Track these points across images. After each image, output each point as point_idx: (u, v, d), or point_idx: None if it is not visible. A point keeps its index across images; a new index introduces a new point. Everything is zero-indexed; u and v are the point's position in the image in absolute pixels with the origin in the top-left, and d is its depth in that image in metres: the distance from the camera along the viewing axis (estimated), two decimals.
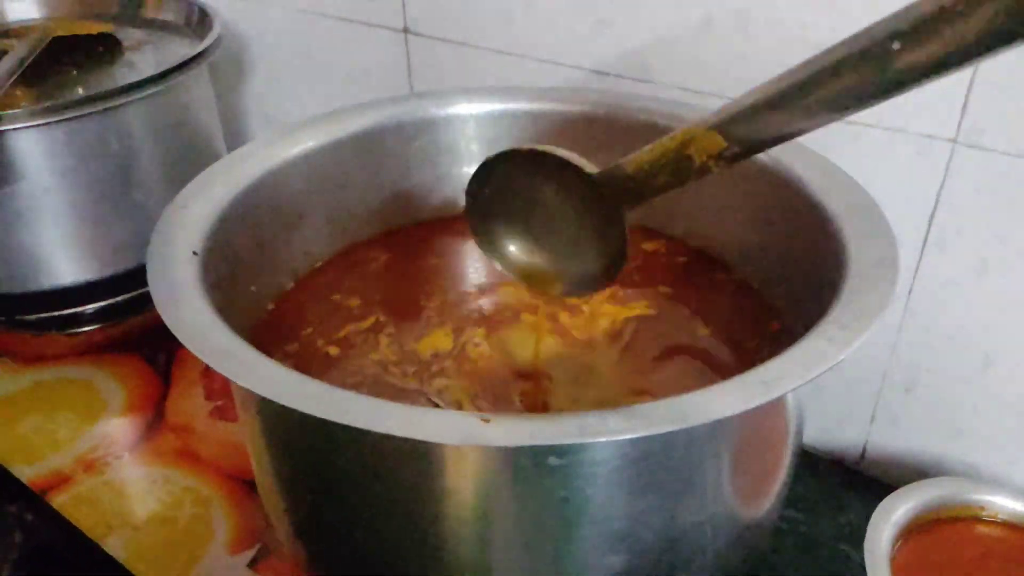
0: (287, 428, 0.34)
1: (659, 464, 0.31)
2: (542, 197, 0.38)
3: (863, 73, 0.25)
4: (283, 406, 0.28)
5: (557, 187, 0.37)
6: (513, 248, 0.40)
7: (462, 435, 0.26)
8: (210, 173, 0.43)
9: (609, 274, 0.36)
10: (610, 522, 0.31)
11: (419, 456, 0.30)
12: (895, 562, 0.45)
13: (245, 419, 0.38)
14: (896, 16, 0.24)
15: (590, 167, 0.36)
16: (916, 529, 0.47)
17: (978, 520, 0.48)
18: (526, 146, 0.38)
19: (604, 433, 0.26)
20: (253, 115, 0.83)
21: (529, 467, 0.30)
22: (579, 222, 0.37)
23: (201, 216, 0.40)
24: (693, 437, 0.30)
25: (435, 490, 0.31)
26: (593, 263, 0.37)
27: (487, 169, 0.39)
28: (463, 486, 0.31)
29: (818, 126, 0.28)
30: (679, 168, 0.32)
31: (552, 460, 0.29)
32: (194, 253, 0.37)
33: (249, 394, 0.34)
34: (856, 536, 0.50)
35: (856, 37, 0.26)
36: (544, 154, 0.37)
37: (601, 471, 0.30)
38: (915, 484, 0.48)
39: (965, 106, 0.46)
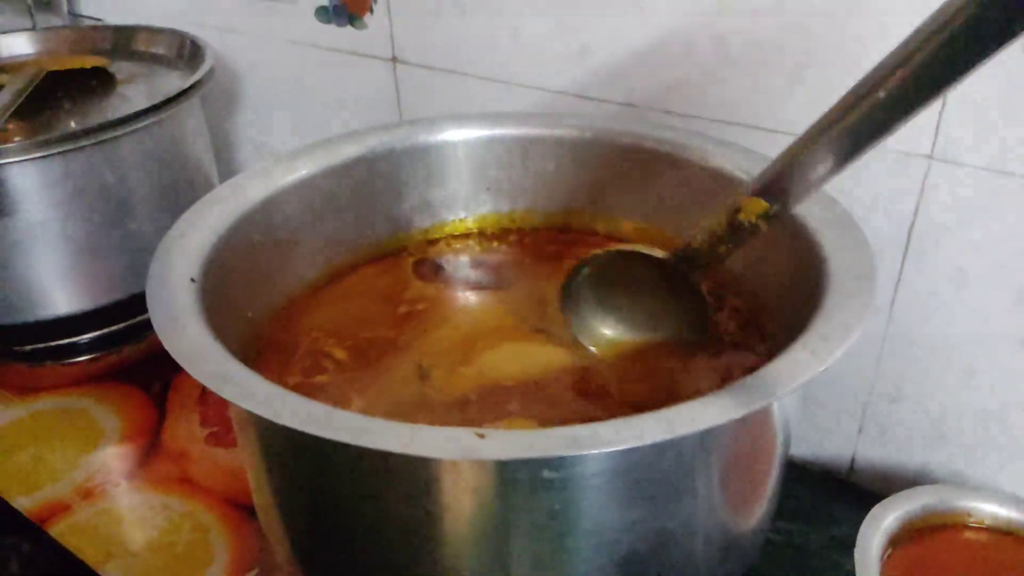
0: (285, 448, 0.35)
1: (650, 475, 0.31)
2: (626, 285, 0.45)
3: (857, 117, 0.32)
4: (282, 426, 0.29)
5: (637, 274, 0.44)
6: (607, 331, 0.46)
7: (458, 451, 0.27)
8: (206, 202, 0.44)
9: (702, 333, 0.44)
10: (603, 533, 0.32)
11: (416, 472, 0.31)
12: (885, 570, 0.45)
13: (243, 442, 0.39)
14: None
15: (659, 253, 0.43)
16: (905, 537, 0.47)
17: (965, 527, 0.49)
18: (606, 249, 0.46)
19: (595, 445, 0.27)
20: (244, 143, 0.84)
21: (524, 481, 0.30)
22: (660, 299, 0.44)
23: (198, 244, 0.41)
24: (682, 448, 0.31)
25: (432, 505, 0.32)
26: (676, 328, 0.45)
27: (576, 271, 0.46)
28: (460, 501, 0.32)
29: (835, 172, 0.34)
30: (735, 234, 0.38)
31: (546, 473, 0.30)
32: (192, 280, 0.38)
33: (248, 416, 0.35)
34: (847, 545, 0.50)
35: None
36: (622, 252, 0.45)
37: (594, 483, 0.31)
38: (903, 493, 0.48)
39: (939, 124, 0.47)
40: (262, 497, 0.40)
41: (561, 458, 0.29)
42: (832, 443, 0.58)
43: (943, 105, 0.47)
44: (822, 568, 0.51)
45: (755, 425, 0.34)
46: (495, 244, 0.56)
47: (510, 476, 0.30)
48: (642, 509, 0.32)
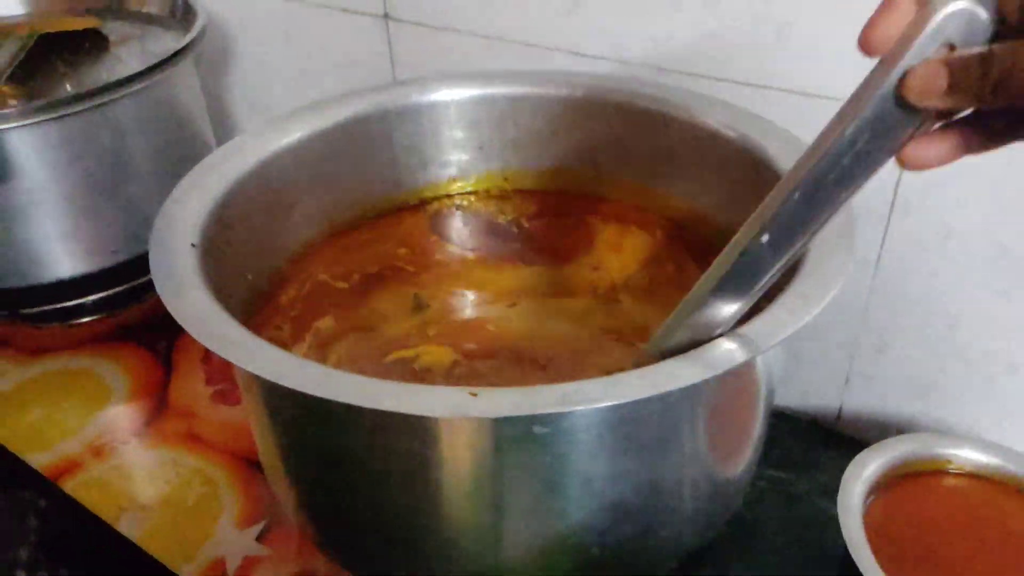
0: (288, 408, 0.37)
1: (637, 428, 0.33)
2: None
3: None
4: (284, 387, 0.30)
5: None
6: None
7: (451, 408, 0.29)
8: (203, 167, 0.45)
9: None
10: (592, 484, 0.34)
11: (413, 429, 0.32)
12: (867, 516, 0.47)
13: (248, 401, 0.40)
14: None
15: None
16: (887, 484, 0.49)
17: (946, 473, 0.50)
18: None
19: (583, 402, 0.29)
20: (238, 103, 0.84)
21: (516, 436, 0.32)
22: None
23: (197, 209, 0.42)
24: (668, 403, 0.32)
25: (429, 460, 0.34)
26: None
27: None
28: (455, 455, 0.33)
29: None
30: None
31: (537, 428, 0.31)
32: (192, 245, 0.39)
33: (252, 378, 0.36)
34: (832, 492, 0.52)
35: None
36: None
37: (583, 437, 0.32)
38: (886, 441, 0.50)
39: None
40: (267, 453, 0.42)
41: (550, 414, 0.30)
42: (819, 392, 0.60)
43: None
44: (807, 513, 0.53)
45: (737, 379, 0.36)
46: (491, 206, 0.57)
47: (502, 432, 0.32)
48: (630, 461, 0.34)
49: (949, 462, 0.50)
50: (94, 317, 0.64)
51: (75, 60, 0.67)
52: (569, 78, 0.54)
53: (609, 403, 0.29)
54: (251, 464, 0.55)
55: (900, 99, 0.24)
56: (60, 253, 0.61)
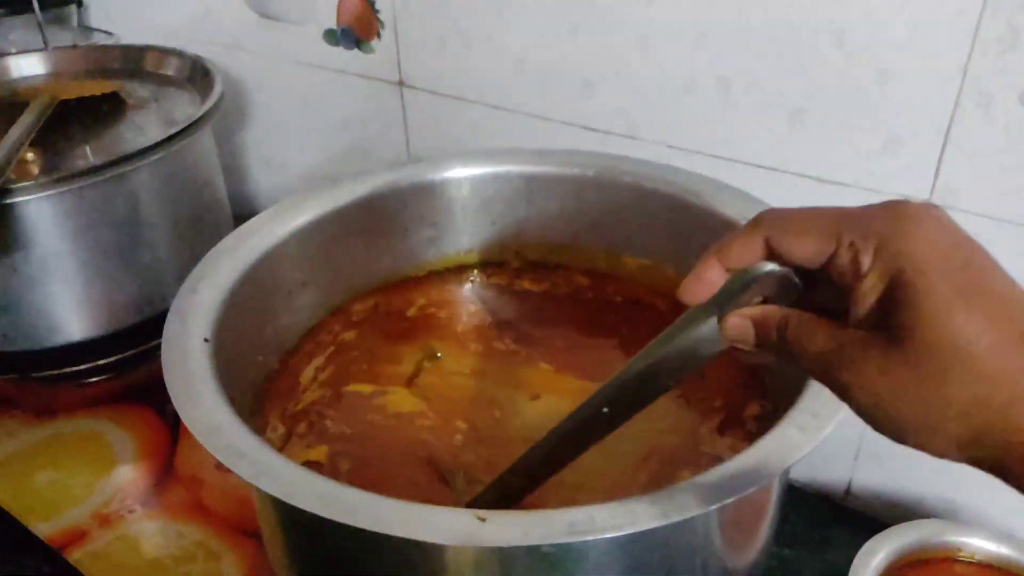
0: (295, 518, 0.36)
1: (647, 549, 0.33)
2: None
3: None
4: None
5: None
6: None
7: (459, 536, 0.29)
8: (216, 253, 0.45)
9: None
10: None
11: (420, 548, 0.32)
12: None
13: (256, 503, 0.40)
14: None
15: None
16: (896, 571, 0.49)
17: (955, 560, 0.50)
18: None
19: (592, 532, 0.29)
20: (253, 158, 0.85)
21: (523, 554, 0.32)
22: None
23: (210, 299, 0.42)
24: (678, 527, 0.32)
25: (432, 571, 0.34)
26: None
27: None
28: (459, 571, 0.33)
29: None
30: None
31: (545, 548, 0.31)
32: (205, 340, 0.39)
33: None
34: (841, 571, 0.52)
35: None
36: None
37: (593, 556, 0.32)
38: (895, 527, 0.50)
39: (938, 170, 0.48)
40: (273, 547, 0.42)
41: None
42: (828, 467, 0.59)
43: (942, 151, 0.47)
44: None
45: (749, 499, 0.35)
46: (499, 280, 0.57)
47: (510, 550, 0.32)
48: (644, 569, 0.34)
49: (959, 550, 0.50)
50: (103, 378, 0.65)
51: (93, 124, 0.68)
52: (581, 158, 0.55)
53: (618, 533, 0.29)
54: (255, 538, 0.54)
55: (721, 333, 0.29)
56: (72, 317, 0.62)
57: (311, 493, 0.30)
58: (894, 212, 0.25)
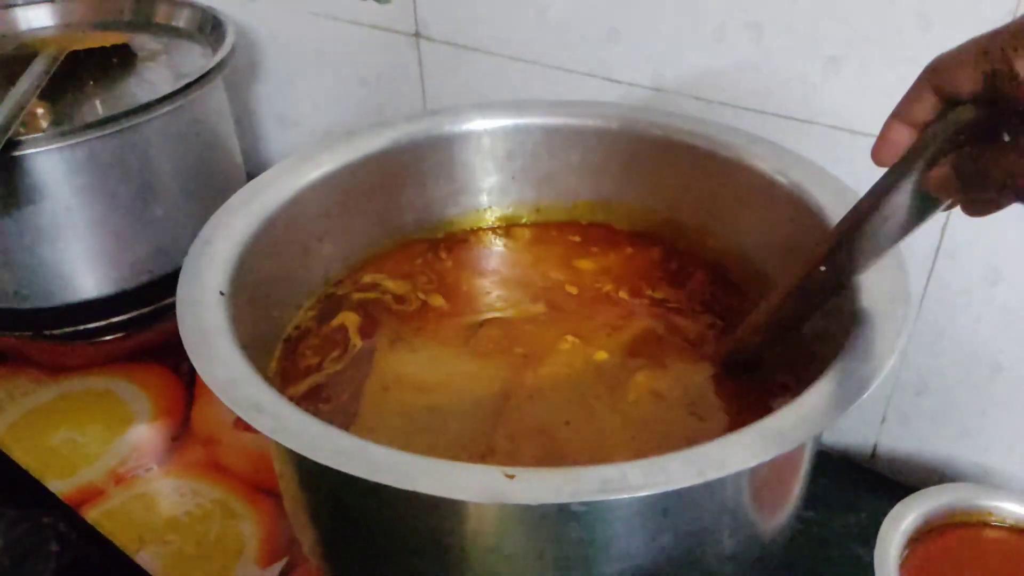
0: (315, 472, 0.36)
1: (678, 506, 0.32)
2: None
3: None
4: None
5: None
6: None
7: (487, 493, 0.28)
8: (230, 206, 0.44)
9: None
10: (631, 558, 0.33)
11: (443, 504, 0.31)
12: (905, 568, 0.46)
13: (275, 459, 0.39)
14: None
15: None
16: (925, 535, 0.48)
17: (986, 525, 0.49)
18: None
19: (624, 489, 0.27)
20: (266, 114, 0.83)
21: (552, 512, 0.31)
22: None
23: (224, 252, 0.41)
24: (712, 485, 0.31)
25: (458, 531, 0.33)
26: None
27: None
28: (485, 528, 0.32)
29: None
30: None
31: (575, 506, 0.30)
32: (221, 293, 0.38)
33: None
34: (866, 535, 0.51)
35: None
36: None
37: (623, 514, 0.31)
38: (924, 491, 0.49)
39: None
40: (292, 506, 0.41)
41: None
42: (854, 430, 0.58)
43: None
44: (841, 557, 0.52)
45: (786, 456, 0.34)
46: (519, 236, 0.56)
47: (538, 507, 0.31)
48: (670, 535, 0.33)
49: (990, 514, 0.49)
50: (117, 336, 0.64)
51: (103, 76, 0.66)
52: (604, 109, 0.53)
53: (651, 491, 0.27)
54: (273, 497, 0.54)
55: (923, 190, 0.30)
56: (85, 274, 0.61)
57: (332, 448, 0.29)
58: None
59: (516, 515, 0.31)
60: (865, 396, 0.31)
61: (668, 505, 0.31)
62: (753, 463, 0.28)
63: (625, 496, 0.27)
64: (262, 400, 0.32)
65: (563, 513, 0.30)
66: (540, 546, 0.32)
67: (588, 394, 0.43)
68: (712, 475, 0.28)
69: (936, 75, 0.28)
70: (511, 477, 0.28)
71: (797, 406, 0.31)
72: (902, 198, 0.30)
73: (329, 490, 0.36)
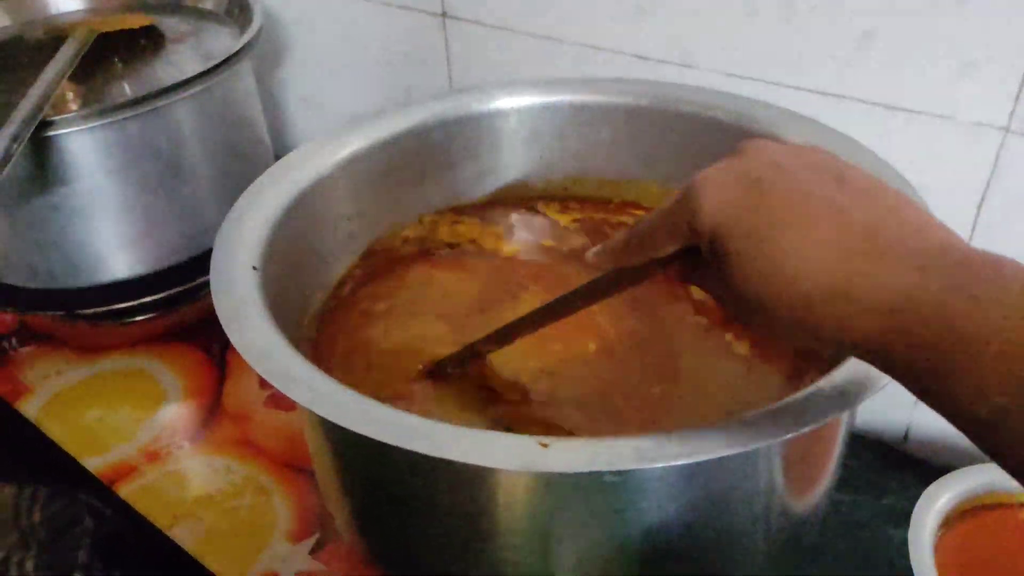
0: (347, 441, 0.36)
1: (714, 477, 0.32)
2: None
3: None
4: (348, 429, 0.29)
5: None
6: None
7: (522, 461, 0.27)
8: (261, 183, 0.44)
9: None
10: (665, 532, 0.33)
11: (477, 473, 0.31)
12: (939, 549, 0.45)
13: (307, 428, 0.39)
14: None
15: None
16: (960, 516, 0.47)
17: (1022, 506, 0.48)
18: None
19: (660, 459, 0.27)
20: (292, 97, 0.83)
21: (586, 483, 0.31)
22: None
23: (256, 228, 0.41)
24: (747, 455, 0.31)
25: (491, 500, 0.33)
26: None
27: None
28: (519, 499, 0.32)
29: None
30: None
31: (609, 477, 0.30)
32: (254, 268, 0.38)
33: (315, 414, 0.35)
34: (899, 517, 0.50)
35: None
36: None
37: (656, 486, 0.31)
38: (958, 471, 0.48)
39: (1019, 95, 0.45)
40: (324, 478, 0.41)
41: None
42: (886, 412, 0.58)
43: None
44: (873, 539, 0.51)
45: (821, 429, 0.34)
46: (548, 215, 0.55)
47: (572, 479, 0.30)
48: (704, 508, 0.33)
49: None
50: (149, 316, 0.64)
51: (132, 58, 0.67)
52: (634, 86, 0.52)
53: (688, 461, 0.27)
54: (304, 473, 0.54)
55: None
56: (116, 254, 0.61)
57: (367, 417, 0.29)
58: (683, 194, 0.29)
59: (550, 484, 0.31)
60: None
61: (702, 477, 0.31)
62: (789, 434, 0.28)
63: (660, 465, 0.27)
64: (296, 370, 0.32)
65: (597, 482, 0.30)
66: (573, 516, 0.32)
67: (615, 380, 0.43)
68: (749, 445, 0.27)
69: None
70: (545, 446, 0.28)
71: (834, 379, 0.30)
72: None
73: (362, 460, 0.36)
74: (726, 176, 0.28)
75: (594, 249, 0.33)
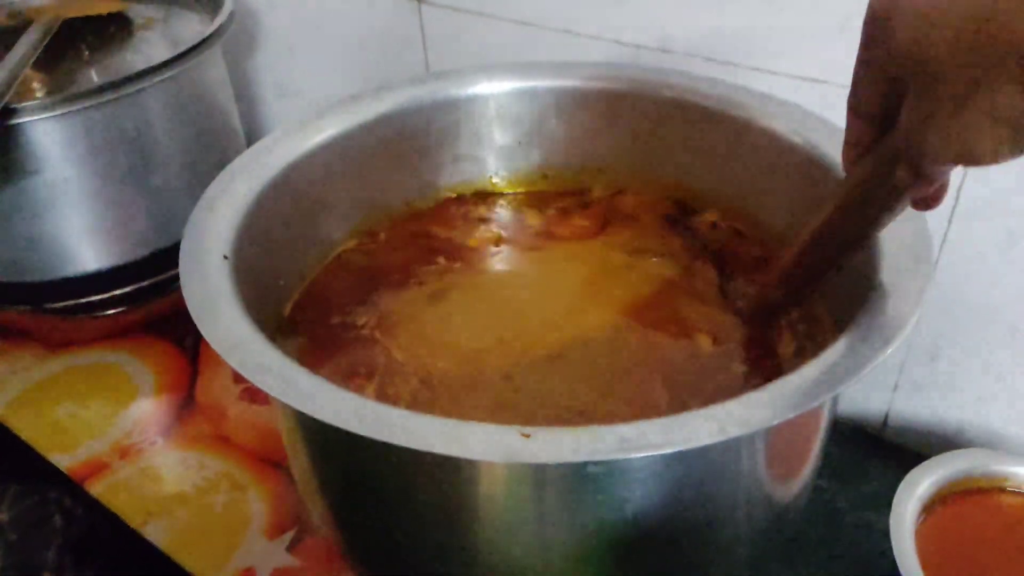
0: (323, 434, 0.35)
1: (697, 465, 0.31)
2: None
3: None
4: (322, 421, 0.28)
5: None
6: None
7: (504, 452, 0.27)
8: (232, 170, 0.43)
9: None
10: (647, 521, 0.32)
11: (455, 465, 0.30)
12: (920, 534, 0.45)
13: (282, 424, 0.39)
14: None
15: None
16: (940, 501, 0.47)
17: (1002, 491, 0.48)
18: None
19: (643, 448, 0.27)
20: (265, 85, 0.82)
21: (567, 473, 0.30)
22: None
23: (228, 217, 0.40)
24: (729, 443, 0.30)
25: (471, 492, 0.32)
26: None
27: None
28: (500, 490, 0.32)
29: None
30: None
31: (591, 468, 0.29)
32: (225, 257, 0.37)
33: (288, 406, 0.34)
34: (879, 503, 0.50)
35: None
36: None
37: (639, 476, 0.30)
38: (938, 457, 0.48)
39: None
40: (300, 471, 0.41)
41: None
42: (866, 398, 0.58)
43: None
44: (854, 526, 0.51)
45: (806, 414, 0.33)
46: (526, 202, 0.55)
47: (553, 468, 0.30)
48: (687, 496, 0.32)
49: (1006, 480, 0.48)
50: (119, 310, 0.63)
51: (99, 45, 0.65)
52: (613, 71, 0.52)
53: (672, 450, 0.27)
54: (279, 468, 0.53)
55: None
56: (85, 246, 0.60)
57: (342, 409, 0.29)
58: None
59: (533, 475, 0.30)
60: (889, 352, 0.30)
61: (686, 466, 0.31)
62: (775, 420, 0.28)
63: (643, 455, 0.26)
64: (269, 362, 0.31)
65: (580, 473, 0.30)
66: (557, 508, 0.31)
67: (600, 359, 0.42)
68: (734, 432, 0.27)
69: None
70: (527, 436, 0.27)
71: (818, 364, 0.30)
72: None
73: (338, 453, 0.35)
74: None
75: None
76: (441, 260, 0.51)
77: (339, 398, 0.29)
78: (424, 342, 0.44)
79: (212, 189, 0.41)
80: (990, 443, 0.54)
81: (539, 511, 0.32)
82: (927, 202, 0.32)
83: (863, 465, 0.55)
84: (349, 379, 0.42)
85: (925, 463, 0.48)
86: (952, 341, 0.53)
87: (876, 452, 0.57)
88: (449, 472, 0.31)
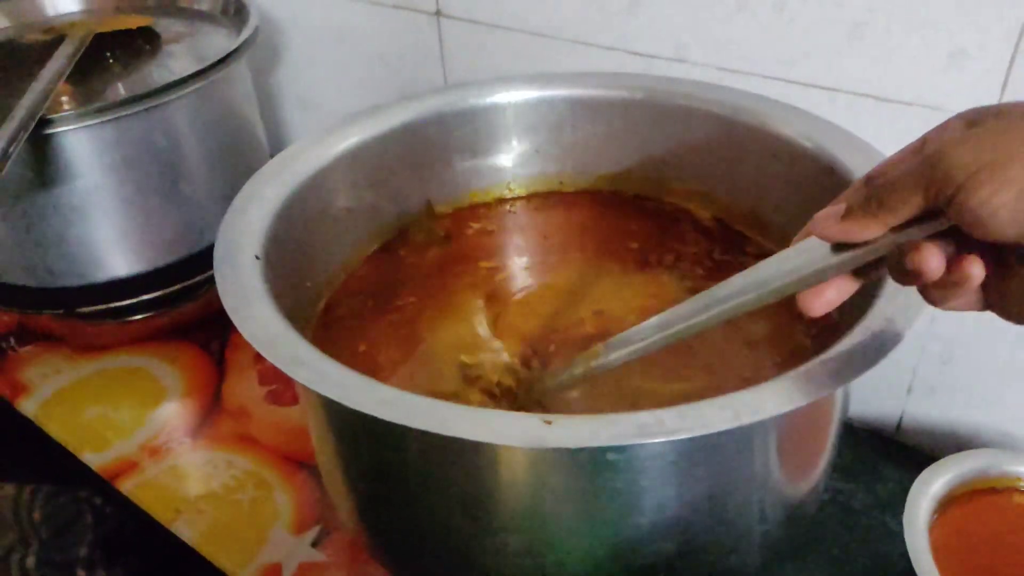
0: (353, 424, 0.36)
1: (711, 455, 0.32)
2: None
3: None
4: (352, 408, 0.30)
5: None
6: None
7: (525, 438, 0.28)
8: (261, 175, 0.45)
9: None
10: (664, 510, 0.33)
11: (479, 451, 0.32)
12: (933, 533, 0.46)
13: (311, 414, 0.40)
14: None
15: None
16: (954, 501, 0.48)
17: (1016, 490, 0.49)
18: None
19: (661, 433, 0.28)
20: (287, 97, 0.84)
21: (587, 461, 0.31)
22: None
23: (258, 220, 0.41)
24: (744, 430, 0.31)
25: (494, 480, 0.33)
26: None
27: None
28: (522, 478, 0.33)
29: None
30: None
31: (610, 455, 0.30)
32: (256, 257, 0.39)
33: (320, 396, 0.36)
34: (893, 505, 0.51)
35: None
36: None
37: (656, 464, 0.31)
38: (953, 456, 0.48)
39: (1005, 84, 0.46)
40: (327, 463, 0.42)
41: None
42: (880, 402, 0.58)
43: (1011, 64, 0.45)
44: (868, 527, 0.52)
45: (817, 405, 0.34)
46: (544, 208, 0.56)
47: (574, 457, 0.31)
48: (702, 486, 0.33)
49: (1020, 479, 0.49)
50: (148, 315, 0.65)
51: (129, 59, 0.67)
52: (629, 80, 0.53)
53: (689, 435, 0.28)
54: (304, 467, 0.55)
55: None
56: (115, 253, 0.61)
57: (374, 398, 0.30)
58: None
59: (554, 460, 0.31)
60: (900, 345, 0.31)
61: (702, 454, 0.32)
62: (789, 408, 0.29)
63: (661, 440, 0.28)
64: (302, 354, 0.32)
65: (598, 462, 0.31)
66: (577, 494, 0.32)
67: None
68: (748, 419, 0.28)
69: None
70: (549, 423, 0.28)
71: (831, 355, 0.31)
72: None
73: (366, 443, 0.36)
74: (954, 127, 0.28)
75: (823, 212, 0.29)
76: (461, 264, 0.52)
77: (369, 387, 0.31)
78: (456, 338, 0.45)
79: (242, 194, 0.43)
80: (1004, 445, 0.54)
81: (561, 497, 0.33)
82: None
83: (877, 467, 0.56)
84: (377, 373, 0.43)
85: (939, 463, 0.48)
86: (964, 345, 0.53)
87: (890, 454, 0.57)
88: (474, 457, 0.32)
